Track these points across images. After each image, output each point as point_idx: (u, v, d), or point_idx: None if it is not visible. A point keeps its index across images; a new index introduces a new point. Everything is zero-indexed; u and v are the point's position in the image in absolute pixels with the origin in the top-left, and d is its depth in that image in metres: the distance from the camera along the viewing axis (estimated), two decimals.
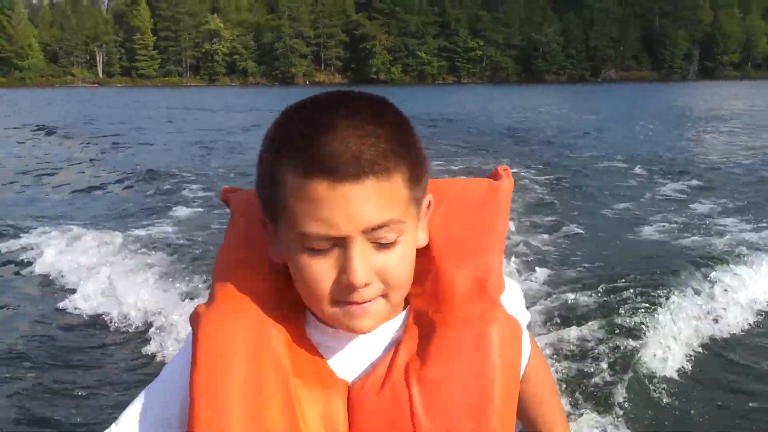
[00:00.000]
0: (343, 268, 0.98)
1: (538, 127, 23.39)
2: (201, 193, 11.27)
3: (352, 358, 1.10)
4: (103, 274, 6.55)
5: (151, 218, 9.51)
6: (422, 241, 1.10)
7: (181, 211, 9.84)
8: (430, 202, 1.11)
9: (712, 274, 6.17)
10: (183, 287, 6.12)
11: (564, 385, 4.36)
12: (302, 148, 0.97)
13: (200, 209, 10.02)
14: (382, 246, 1.00)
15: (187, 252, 7.11)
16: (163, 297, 5.98)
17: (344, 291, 1.00)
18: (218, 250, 1.18)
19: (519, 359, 1.09)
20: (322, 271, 1.00)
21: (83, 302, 6.17)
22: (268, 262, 1.10)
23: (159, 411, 1.11)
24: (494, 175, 1.24)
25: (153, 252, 7.07)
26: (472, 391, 1.04)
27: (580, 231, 8.49)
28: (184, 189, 11.68)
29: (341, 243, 0.98)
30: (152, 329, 5.49)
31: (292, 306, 1.09)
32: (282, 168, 0.98)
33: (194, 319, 1.08)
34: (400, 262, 1.01)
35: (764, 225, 8.37)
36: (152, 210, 10.20)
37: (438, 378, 1.04)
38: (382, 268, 1.00)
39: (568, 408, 4.11)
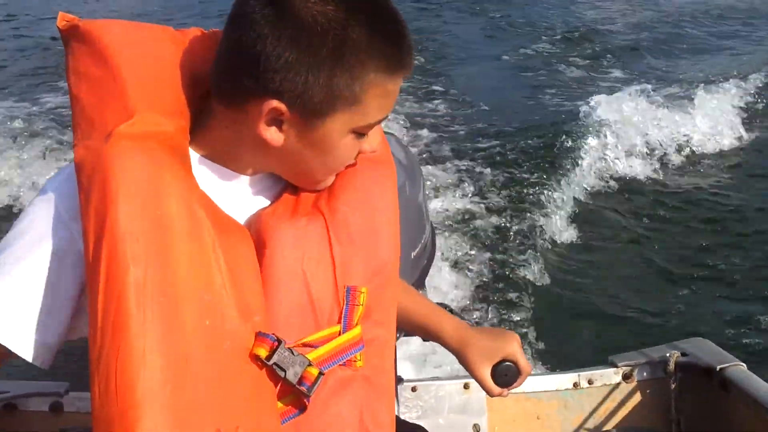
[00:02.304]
0: (366, 140, 1.09)
1: None
2: None
3: (249, 199, 1.11)
4: None
5: None
6: None
7: None
8: None
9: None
10: None
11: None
12: (386, 46, 1.01)
13: None
14: None
15: None
16: None
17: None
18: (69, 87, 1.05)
19: (397, 203, 1.23)
20: (356, 148, 1.09)
21: None
22: (160, 102, 1.04)
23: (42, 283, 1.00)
24: None
25: None
26: (372, 232, 1.15)
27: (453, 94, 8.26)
28: None
29: None
30: None
31: (185, 148, 1.06)
32: (366, 65, 0.99)
33: (90, 157, 0.98)
34: None
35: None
36: None
37: (344, 215, 1.12)
38: None
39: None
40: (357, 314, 1.10)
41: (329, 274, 1.09)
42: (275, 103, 0.99)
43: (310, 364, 1.04)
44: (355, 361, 1.10)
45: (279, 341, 1.02)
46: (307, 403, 1.05)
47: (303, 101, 0.99)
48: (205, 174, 1.06)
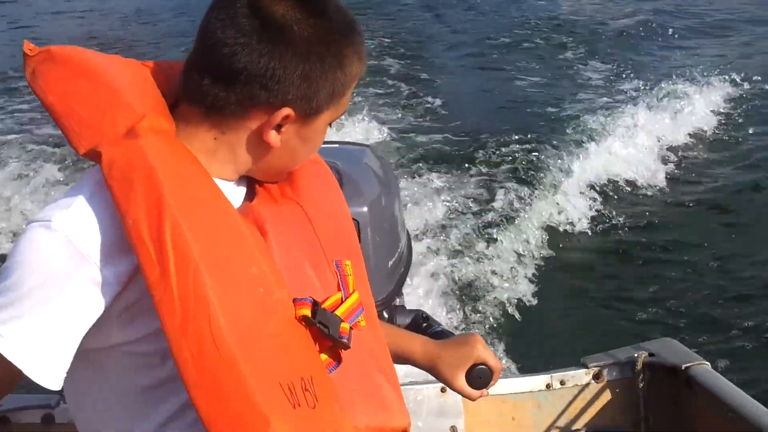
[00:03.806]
0: None
1: None
2: None
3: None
4: None
5: None
6: None
7: None
8: None
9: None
10: None
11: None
12: (356, 37, 1.12)
13: None
14: None
15: None
16: None
17: None
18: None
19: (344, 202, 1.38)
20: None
21: None
22: (158, 107, 1.11)
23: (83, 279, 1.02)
24: None
25: None
26: (335, 215, 1.30)
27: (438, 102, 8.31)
28: None
29: None
30: None
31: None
32: (349, 56, 1.11)
33: (125, 153, 1.03)
34: None
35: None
36: None
37: (312, 201, 1.24)
38: None
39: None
40: (350, 282, 1.23)
41: (319, 250, 1.21)
42: (287, 111, 1.08)
43: (342, 321, 1.15)
44: (359, 321, 1.22)
45: (316, 303, 1.13)
46: (341, 354, 1.17)
47: (309, 105, 1.10)
48: None
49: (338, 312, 1.17)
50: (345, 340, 1.15)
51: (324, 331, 1.12)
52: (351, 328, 1.17)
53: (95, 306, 1.03)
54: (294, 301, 1.11)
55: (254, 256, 1.08)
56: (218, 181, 1.13)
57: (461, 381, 1.49)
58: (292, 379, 1.05)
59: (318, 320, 1.12)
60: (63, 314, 1.01)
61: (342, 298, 1.20)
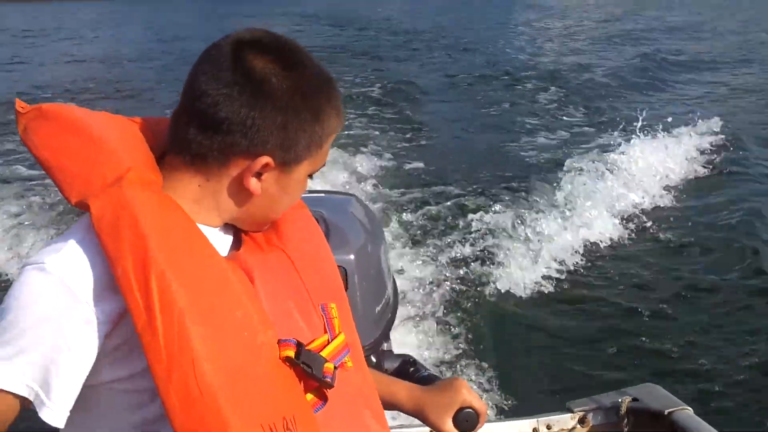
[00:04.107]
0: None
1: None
2: None
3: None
4: None
5: None
6: None
7: None
8: None
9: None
10: None
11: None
12: (333, 93, 1.18)
13: None
14: None
15: None
16: None
17: None
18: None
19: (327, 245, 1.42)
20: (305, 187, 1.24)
21: None
22: (145, 160, 1.16)
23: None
24: None
25: None
26: (320, 260, 1.35)
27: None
28: None
29: None
30: None
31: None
32: (327, 111, 1.17)
33: (112, 202, 1.07)
34: None
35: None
36: None
37: (297, 248, 1.30)
38: None
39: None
40: (336, 324, 1.27)
41: (305, 295, 1.26)
42: (266, 159, 1.13)
43: (326, 361, 1.19)
44: (346, 362, 1.27)
45: (300, 344, 1.17)
46: (327, 394, 1.20)
47: (287, 154, 1.15)
48: None
49: (324, 353, 1.21)
50: (329, 380, 1.18)
51: (307, 371, 1.16)
52: (336, 368, 1.20)
53: (90, 344, 1.06)
54: (279, 342, 1.15)
55: (239, 300, 1.12)
56: (204, 228, 1.17)
57: (449, 425, 1.51)
58: (274, 420, 1.10)
59: (302, 360, 1.16)
60: (61, 351, 1.05)
61: (328, 339, 1.24)
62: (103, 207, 1.08)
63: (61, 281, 1.05)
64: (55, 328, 1.04)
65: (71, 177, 1.12)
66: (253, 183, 1.15)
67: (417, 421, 1.57)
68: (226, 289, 1.12)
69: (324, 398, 1.21)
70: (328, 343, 1.23)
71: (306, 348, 1.18)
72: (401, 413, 1.59)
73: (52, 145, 1.15)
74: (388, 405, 1.55)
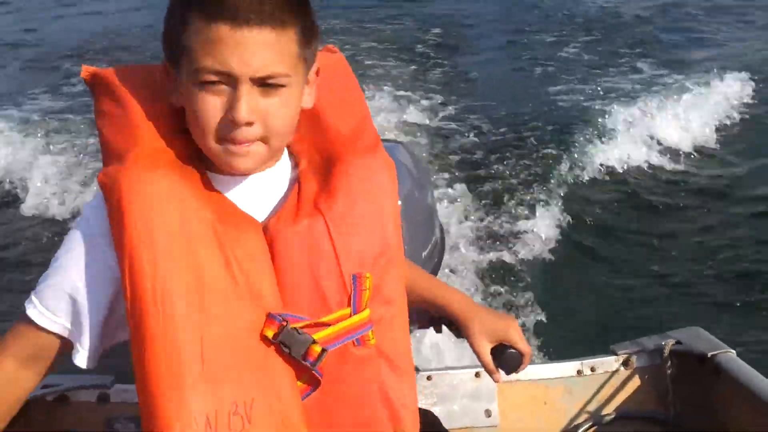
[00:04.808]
0: (231, 106, 1.10)
1: None
2: None
3: (255, 201, 1.21)
4: None
5: None
6: (308, 104, 1.24)
7: None
8: (318, 69, 1.25)
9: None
10: None
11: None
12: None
13: None
14: (268, 93, 1.12)
15: None
16: None
17: (228, 127, 1.11)
18: (98, 129, 1.23)
19: (396, 191, 1.33)
20: (212, 106, 1.11)
21: None
22: (164, 128, 1.19)
23: (81, 274, 1.16)
24: (329, 51, 1.42)
25: None
26: (372, 220, 1.26)
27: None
28: None
29: (232, 83, 1.09)
30: None
31: (194, 163, 1.20)
32: (189, 13, 1.09)
33: (109, 180, 1.14)
34: (282, 110, 1.14)
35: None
36: None
37: (343, 210, 1.22)
38: (265, 113, 1.12)
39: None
40: (365, 298, 1.22)
41: (333, 265, 1.20)
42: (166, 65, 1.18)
43: (314, 342, 1.15)
44: (368, 339, 1.23)
45: (285, 322, 1.14)
46: (319, 378, 1.18)
47: (171, 54, 1.15)
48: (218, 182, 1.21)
49: (333, 329, 1.18)
50: (308, 363, 1.15)
51: (285, 351, 1.14)
52: (324, 350, 1.16)
53: (108, 282, 1.16)
54: (267, 317, 1.14)
55: (226, 271, 1.13)
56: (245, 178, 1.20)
57: (485, 347, 1.52)
58: (240, 399, 1.11)
59: (279, 339, 1.14)
60: (85, 272, 1.16)
61: (350, 313, 1.21)
62: (102, 183, 1.15)
63: (89, 224, 1.18)
64: (87, 269, 1.15)
65: (105, 148, 1.22)
66: (173, 96, 1.19)
67: (464, 364, 1.61)
68: (213, 261, 1.12)
69: (316, 384, 1.19)
70: (349, 316, 1.21)
71: (306, 325, 1.16)
72: (448, 359, 1.60)
73: (102, 113, 1.23)
74: (436, 306, 1.56)
